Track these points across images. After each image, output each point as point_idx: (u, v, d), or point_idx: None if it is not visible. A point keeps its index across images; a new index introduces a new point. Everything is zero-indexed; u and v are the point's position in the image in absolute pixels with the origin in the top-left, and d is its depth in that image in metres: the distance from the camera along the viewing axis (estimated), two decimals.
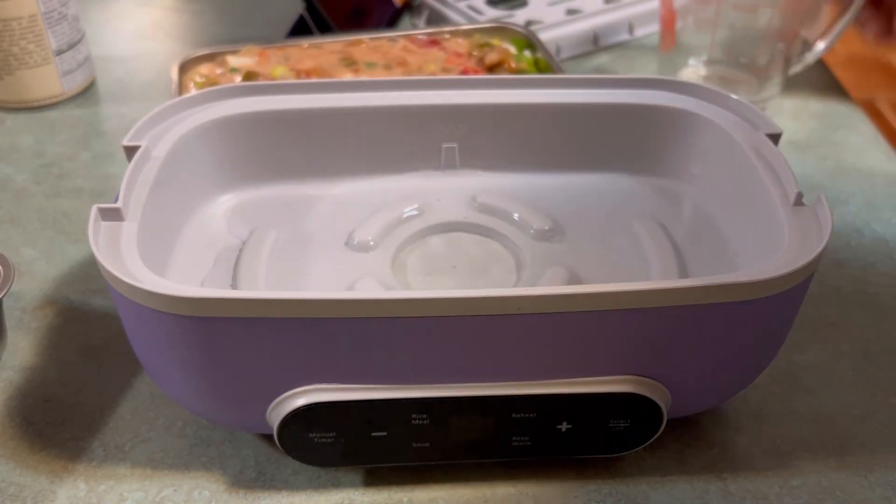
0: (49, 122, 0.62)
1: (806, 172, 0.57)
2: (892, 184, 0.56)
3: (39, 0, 0.59)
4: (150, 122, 0.39)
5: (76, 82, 0.64)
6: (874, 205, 0.54)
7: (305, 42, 0.60)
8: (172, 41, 0.75)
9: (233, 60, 0.58)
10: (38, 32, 0.60)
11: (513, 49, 0.61)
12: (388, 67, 0.57)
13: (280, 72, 0.55)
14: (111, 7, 0.81)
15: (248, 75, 0.56)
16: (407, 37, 0.61)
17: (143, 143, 0.37)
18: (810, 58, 0.62)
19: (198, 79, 0.56)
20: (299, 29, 0.69)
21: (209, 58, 0.58)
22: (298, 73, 0.56)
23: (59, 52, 0.62)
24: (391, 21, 0.76)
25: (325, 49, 0.59)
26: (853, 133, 0.61)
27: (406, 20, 0.78)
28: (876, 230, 0.51)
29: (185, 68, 0.57)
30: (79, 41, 0.64)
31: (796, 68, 0.62)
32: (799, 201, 0.35)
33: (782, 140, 0.37)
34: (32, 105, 0.63)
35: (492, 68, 0.58)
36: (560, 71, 0.57)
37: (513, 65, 0.58)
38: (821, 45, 0.61)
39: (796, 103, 0.64)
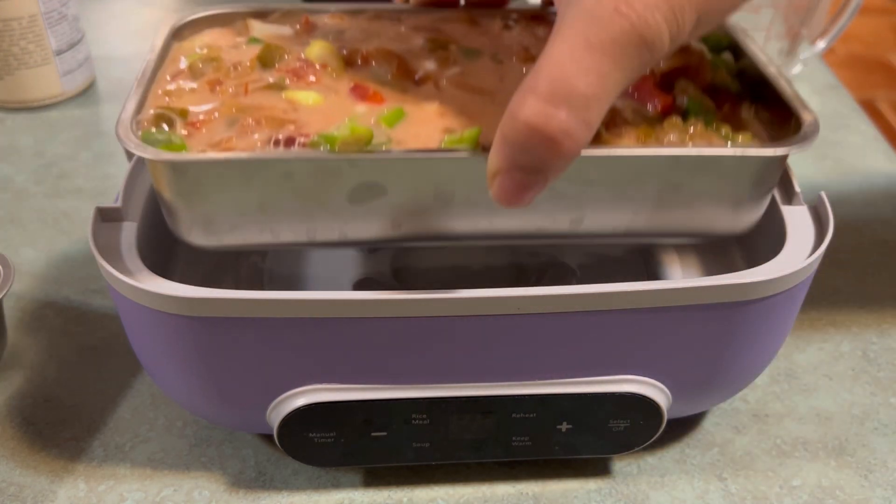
0: (49, 122, 0.62)
1: (806, 172, 0.57)
2: (892, 184, 0.56)
3: (39, 0, 0.59)
4: None
5: (76, 82, 0.64)
6: (874, 205, 0.54)
7: (376, 9, 0.39)
8: None
9: (258, 27, 0.37)
10: (38, 32, 0.60)
11: (705, 50, 0.37)
12: (496, 60, 0.36)
13: (319, 50, 0.35)
14: (111, 7, 0.81)
15: (267, 51, 0.34)
16: (534, 16, 0.39)
17: None
18: (810, 57, 0.62)
19: (197, 49, 0.36)
20: None
21: (223, 20, 0.38)
22: (352, 56, 0.35)
23: (59, 52, 0.62)
24: None
25: (407, 22, 0.38)
26: (853, 133, 0.61)
27: None
28: (876, 230, 0.51)
29: (181, 34, 0.37)
30: (79, 41, 0.64)
31: (796, 68, 0.62)
32: (799, 201, 0.35)
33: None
34: (32, 105, 0.63)
35: (670, 77, 0.34)
36: (784, 82, 0.34)
37: (706, 76, 0.35)
38: (821, 45, 0.61)
39: None
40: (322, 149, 0.28)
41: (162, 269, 0.32)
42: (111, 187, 0.55)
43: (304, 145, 0.29)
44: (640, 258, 0.41)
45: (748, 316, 0.31)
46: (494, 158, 0.26)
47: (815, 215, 0.34)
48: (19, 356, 0.42)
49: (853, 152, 0.59)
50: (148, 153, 0.28)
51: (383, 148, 0.29)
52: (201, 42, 0.36)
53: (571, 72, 0.25)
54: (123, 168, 0.36)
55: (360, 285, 0.38)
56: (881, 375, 0.42)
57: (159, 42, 0.35)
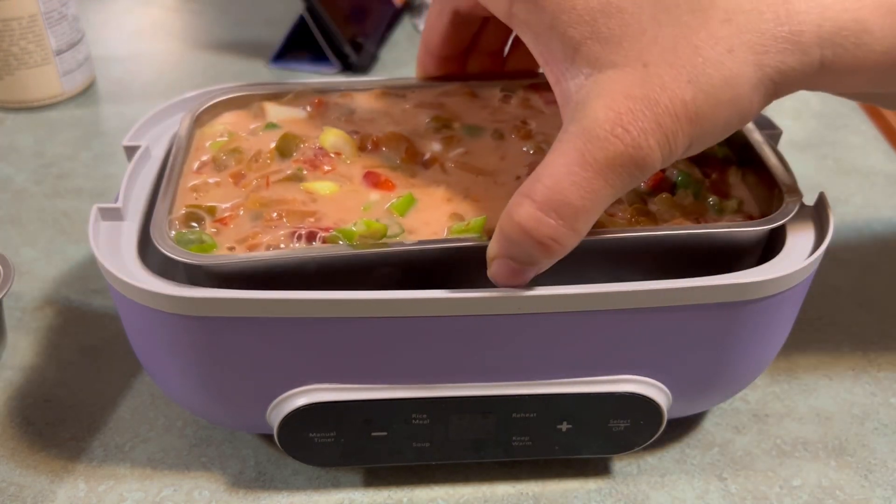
0: (49, 122, 0.62)
1: (806, 172, 0.57)
2: (892, 184, 0.56)
3: (39, 0, 0.59)
4: (150, 122, 0.39)
5: (76, 82, 0.64)
6: (874, 205, 0.54)
7: (382, 86, 0.41)
8: (172, 41, 0.75)
9: (273, 111, 0.39)
10: (38, 32, 0.60)
11: None
12: (497, 135, 0.38)
13: (332, 139, 0.37)
14: (111, 7, 0.81)
15: (284, 141, 0.36)
16: (532, 87, 0.41)
17: (142, 144, 0.37)
18: None
19: (219, 138, 0.38)
20: (299, 29, 0.69)
21: (239, 102, 0.40)
22: (363, 141, 0.37)
23: (59, 52, 0.62)
24: (391, 21, 0.76)
25: (411, 98, 0.40)
26: (853, 133, 0.61)
27: (406, 21, 0.78)
28: (876, 230, 0.51)
29: (201, 119, 0.38)
30: (79, 41, 0.64)
31: None
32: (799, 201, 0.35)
33: (782, 140, 0.37)
34: (32, 105, 0.63)
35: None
36: (769, 150, 0.35)
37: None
38: None
39: (796, 103, 0.65)
40: (341, 243, 0.31)
41: (162, 269, 0.32)
42: (111, 187, 0.55)
43: (324, 240, 0.31)
44: None
45: (748, 316, 0.31)
46: (493, 246, 0.29)
47: (815, 215, 0.34)
48: (19, 356, 0.42)
49: (853, 152, 0.59)
50: (183, 257, 0.30)
51: (397, 239, 0.31)
52: (221, 127, 0.38)
53: (565, 185, 0.27)
54: (123, 168, 0.36)
55: None
56: (881, 375, 0.42)
57: (183, 132, 0.37)
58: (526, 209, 0.27)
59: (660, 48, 0.26)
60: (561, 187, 0.27)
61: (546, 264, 0.29)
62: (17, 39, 0.59)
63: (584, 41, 0.27)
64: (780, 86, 0.27)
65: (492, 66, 0.41)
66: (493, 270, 0.29)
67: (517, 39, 0.41)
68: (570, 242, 0.28)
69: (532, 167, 0.34)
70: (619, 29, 0.27)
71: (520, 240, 0.28)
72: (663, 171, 0.35)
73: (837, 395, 0.40)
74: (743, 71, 0.26)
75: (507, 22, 0.30)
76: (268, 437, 0.38)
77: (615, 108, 0.26)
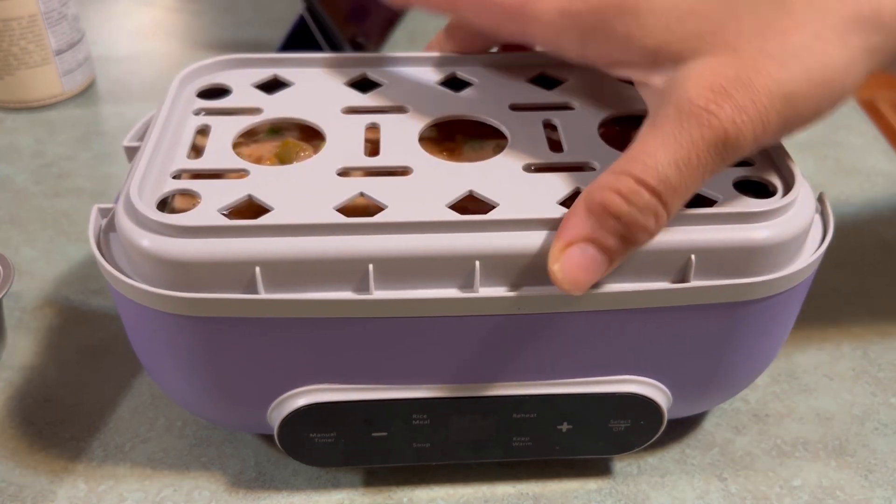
0: (49, 122, 0.62)
1: (806, 172, 0.56)
2: (892, 184, 0.56)
3: (39, 0, 0.59)
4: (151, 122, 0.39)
5: (76, 82, 0.64)
6: (874, 205, 0.54)
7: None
8: (172, 41, 0.75)
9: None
10: (38, 32, 0.60)
11: None
12: (498, 149, 0.35)
13: None
14: (111, 7, 0.81)
15: (286, 148, 0.36)
16: None
17: (143, 144, 0.37)
18: None
19: None
20: (299, 29, 0.69)
21: None
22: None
23: (59, 52, 0.62)
24: (391, 21, 0.76)
25: None
26: (853, 133, 0.61)
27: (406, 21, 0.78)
28: (876, 230, 0.51)
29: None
30: (79, 41, 0.64)
31: None
32: None
33: (782, 140, 0.37)
34: (32, 105, 0.63)
35: None
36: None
37: None
38: None
39: None
40: None
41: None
42: (111, 187, 0.55)
43: None
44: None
45: (748, 316, 0.31)
46: (570, 231, 0.28)
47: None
48: (19, 356, 0.42)
49: (853, 152, 0.59)
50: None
51: None
52: None
53: (663, 162, 0.27)
54: (123, 168, 0.36)
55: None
56: (881, 375, 0.42)
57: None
58: (626, 183, 0.27)
59: (746, 37, 0.27)
60: (659, 164, 0.27)
61: (626, 254, 0.28)
62: (17, 39, 0.60)
63: (664, 44, 0.29)
64: (867, 66, 0.28)
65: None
66: (564, 263, 0.28)
67: None
68: (662, 223, 0.28)
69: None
70: (697, 27, 0.28)
71: (615, 214, 0.27)
72: None
73: (837, 395, 0.40)
74: (833, 53, 0.27)
75: (579, 61, 0.31)
76: (268, 437, 0.38)
77: (708, 88, 0.27)
